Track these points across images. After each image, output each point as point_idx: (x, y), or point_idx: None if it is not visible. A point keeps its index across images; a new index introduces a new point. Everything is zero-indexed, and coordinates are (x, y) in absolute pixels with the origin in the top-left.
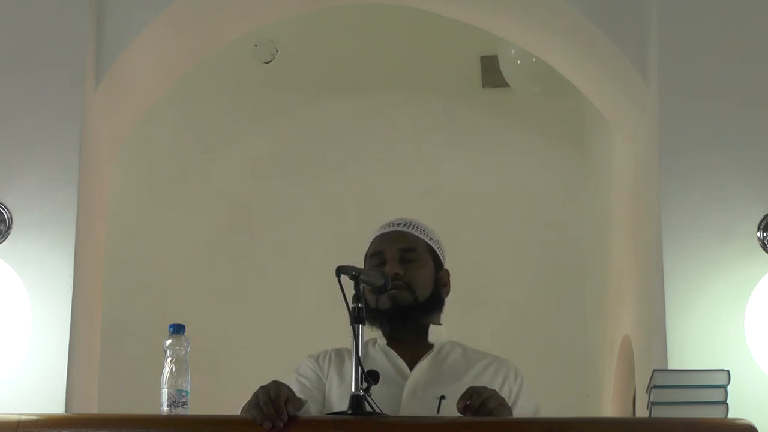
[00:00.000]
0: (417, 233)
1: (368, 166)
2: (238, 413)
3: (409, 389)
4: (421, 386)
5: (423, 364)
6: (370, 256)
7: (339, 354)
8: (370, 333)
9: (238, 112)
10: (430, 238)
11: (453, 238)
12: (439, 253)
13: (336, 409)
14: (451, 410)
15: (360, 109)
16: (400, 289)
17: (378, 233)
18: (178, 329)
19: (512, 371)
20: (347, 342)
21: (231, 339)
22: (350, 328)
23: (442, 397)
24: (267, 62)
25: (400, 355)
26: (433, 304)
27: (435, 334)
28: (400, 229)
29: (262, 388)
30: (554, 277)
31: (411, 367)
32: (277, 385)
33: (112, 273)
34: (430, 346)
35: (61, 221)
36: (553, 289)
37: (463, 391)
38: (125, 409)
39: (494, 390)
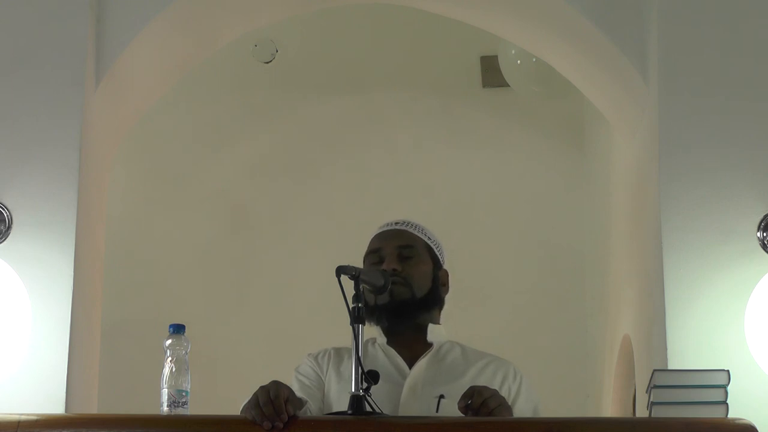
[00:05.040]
0: (415, 232)
1: (368, 166)
2: (238, 413)
3: (408, 387)
4: (420, 385)
5: (422, 363)
6: (368, 253)
7: (338, 353)
8: (369, 332)
9: (238, 112)
10: (429, 238)
11: (453, 238)
12: (437, 253)
13: (334, 408)
14: (450, 409)
15: (360, 109)
16: (398, 285)
17: (376, 232)
18: (178, 329)
19: (511, 371)
20: (347, 342)
21: (231, 339)
22: (350, 328)
23: (441, 396)
24: (267, 62)
25: (399, 354)
26: (431, 301)
27: (434, 333)
28: (398, 227)
29: (261, 388)
30: (554, 277)
31: (410, 365)
32: (276, 385)
33: (112, 273)
34: (429, 345)
35: (61, 221)
36: (553, 289)
37: (462, 390)
38: (125, 409)
39: (495, 390)
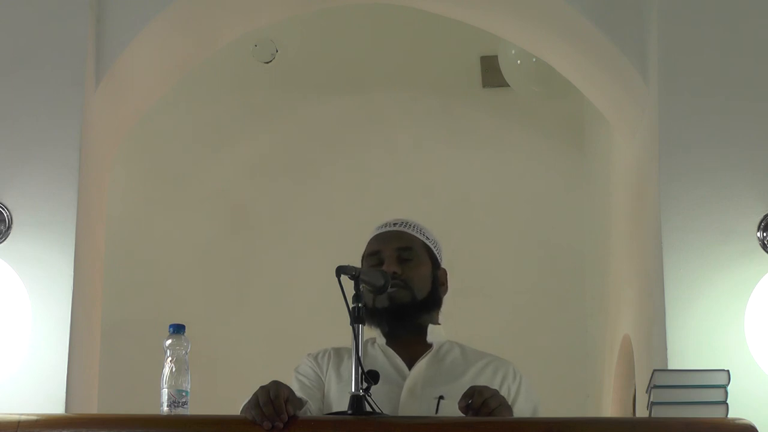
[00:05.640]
0: (413, 232)
1: (368, 166)
2: (238, 413)
3: (407, 389)
4: (420, 386)
5: (421, 364)
6: (367, 256)
7: (338, 353)
8: (369, 332)
9: (238, 112)
10: (427, 238)
11: (453, 238)
12: (436, 252)
13: (334, 408)
14: (449, 410)
15: (360, 109)
16: (399, 288)
17: (375, 233)
18: (178, 329)
19: (511, 371)
20: (347, 342)
21: (231, 339)
22: (350, 328)
23: (441, 397)
24: (267, 62)
25: (398, 355)
26: (431, 302)
27: (433, 333)
28: (396, 228)
29: (261, 388)
30: (554, 277)
31: (410, 366)
32: (276, 385)
33: (112, 273)
34: (429, 346)
35: (61, 221)
36: (553, 289)
37: (461, 390)
38: (125, 409)
39: (495, 390)
